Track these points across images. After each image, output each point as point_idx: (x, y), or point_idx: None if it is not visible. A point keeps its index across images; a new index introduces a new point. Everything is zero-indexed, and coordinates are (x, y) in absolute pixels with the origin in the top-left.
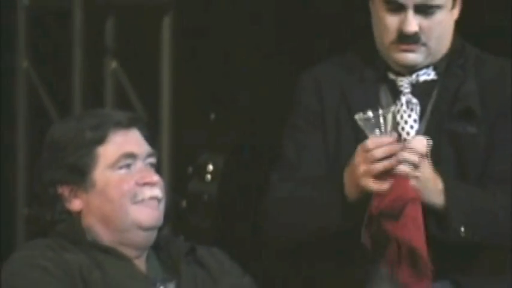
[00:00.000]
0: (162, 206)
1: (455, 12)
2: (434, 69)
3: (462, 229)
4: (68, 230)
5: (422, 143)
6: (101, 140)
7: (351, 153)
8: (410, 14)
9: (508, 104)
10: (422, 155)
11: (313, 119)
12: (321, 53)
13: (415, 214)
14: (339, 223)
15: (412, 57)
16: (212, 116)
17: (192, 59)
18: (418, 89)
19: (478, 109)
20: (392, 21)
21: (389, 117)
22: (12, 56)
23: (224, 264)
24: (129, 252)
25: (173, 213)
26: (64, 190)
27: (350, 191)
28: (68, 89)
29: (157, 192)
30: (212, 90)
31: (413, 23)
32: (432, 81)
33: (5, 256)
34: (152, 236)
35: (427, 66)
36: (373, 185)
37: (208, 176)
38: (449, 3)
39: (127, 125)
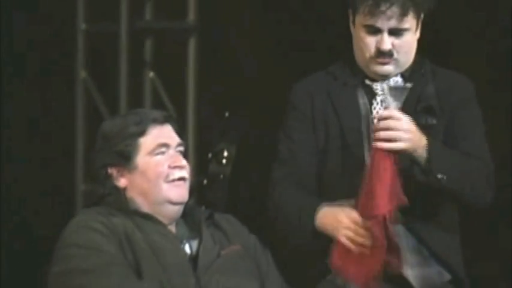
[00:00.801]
0: (187, 184)
1: (418, 33)
2: (402, 76)
3: (440, 176)
4: (115, 201)
5: (401, 120)
6: (142, 132)
7: (337, 147)
8: (385, 35)
9: (461, 104)
10: (397, 119)
11: (305, 120)
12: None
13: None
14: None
15: (387, 68)
16: (227, 114)
17: (211, 71)
18: (392, 92)
19: (436, 107)
20: (370, 41)
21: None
22: (73, 68)
23: (235, 226)
24: (162, 219)
25: (196, 189)
26: (113, 171)
27: (322, 223)
28: (116, 94)
29: (185, 173)
30: (227, 94)
31: (388, 42)
32: (402, 87)
33: (67, 221)
34: (180, 209)
35: (395, 75)
36: (342, 239)
37: (224, 160)
38: (414, 27)
39: (162, 121)
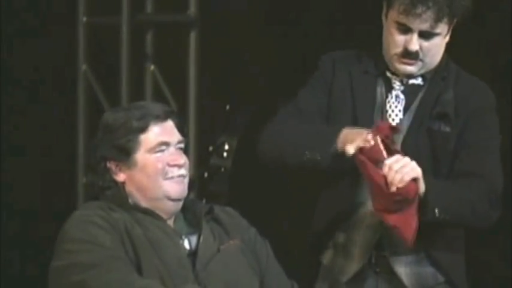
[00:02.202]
0: (186, 180)
1: (447, 38)
2: (422, 76)
3: (436, 211)
4: (114, 195)
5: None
6: (143, 129)
7: (346, 125)
8: (415, 36)
9: (476, 113)
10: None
11: (324, 84)
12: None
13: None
14: (321, 157)
15: (410, 69)
16: (227, 107)
17: (212, 64)
18: (406, 89)
19: (452, 114)
20: (400, 38)
21: None
22: (74, 61)
23: (235, 219)
24: (161, 214)
25: (197, 182)
26: (112, 165)
27: (342, 139)
28: (117, 86)
29: (183, 171)
30: (227, 88)
31: (416, 44)
32: (418, 85)
33: (69, 214)
34: (179, 204)
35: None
36: (350, 149)
37: (225, 154)
38: (445, 31)
39: (164, 118)
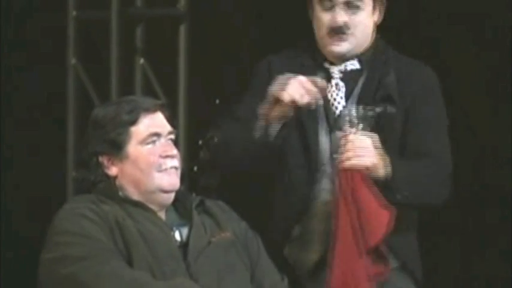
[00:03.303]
0: (179, 172)
1: (376, 17)
2: (359, 61)
3: (399, 196)
4: (106, 189)
5: (363, 140)
6: (133, 121)
7: (291, 123)
8: (338, 10)
9: (420, 93)
10: (365, 148)
11: (262, 88)
12: None
13: None
14: (270, 129)
15: (342, 48)
16: (217, 101)
17: (201, 58)
18: (346, 76)
19: (396, 96)
20: (325, 17)
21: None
22: (63, 54)
23: (226, 213)
24: (153, 207)
25: (187, 176)
26: (103, 159)
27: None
28: (107, 80)
29: (176, 162)
30: (217, 82)
31: (342, 15)
32: (357, 70)
33: (58, 208)
34: (171, 196)
35: (353, 58)
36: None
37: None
38: (370, 9)
39: (153, 110)
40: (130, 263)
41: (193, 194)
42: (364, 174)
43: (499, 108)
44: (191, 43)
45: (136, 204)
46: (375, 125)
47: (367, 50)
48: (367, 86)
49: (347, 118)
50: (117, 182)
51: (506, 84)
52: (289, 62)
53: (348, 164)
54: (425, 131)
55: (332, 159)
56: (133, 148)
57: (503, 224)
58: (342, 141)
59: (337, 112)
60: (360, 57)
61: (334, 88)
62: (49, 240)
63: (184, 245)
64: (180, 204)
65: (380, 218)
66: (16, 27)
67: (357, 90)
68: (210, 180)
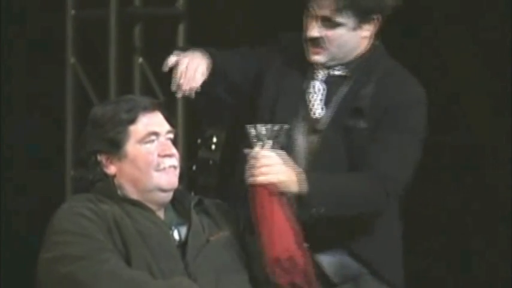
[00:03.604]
0: (177, 171)
1: (366, 33)
2: (346, 67)
3: (315, 210)
4: (104, 188)
5: (271, 157)
6: (132, 120)
7: (268, 105)
8: (314, 22)
9: (391, 109)
10: (272, 165)
11: (264, 59)
12: None
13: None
14: None
15: (318, 58)
16: None
17: None
18: (329, 79)
19: (367, 109)
20: (307, 26)
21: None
22: (62, 54)
23: (224, 212)
24: (151, 206)
25: (186, 175)
26: (102, 158)
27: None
28: (105, 79)
29: (175, 162)
30: None
31: (315, 29)
32: (342, 77)
33: (57, 207)
34: (170, 195)
35: (337, 66)
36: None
37: (213, 146)
38: (352, 24)
39: (152, 109)
40: (128, 262)
41: (192, 193)
42: (272, 190)
43: (499, 108)
44: (190, 42)
45: (135, 203)
46: (345, 140)
47: (356, 59)
48: (347, 96)
49: (255, 135)
50: (116, 181)
51: (506, 84)
52: (294, 50)
53: (252, 180)
54: (376, 146)
55: (307, 160)
56: (132, 147)
57: (503, 224)
58: (249, 158)
59: (316, 115)
60: (347, 65)
61: (313, 89)
62: (47, 240)
63: (182, 244)
64: (178, 204)
65: (285, 234)
66: (16, 27)
67: (336, 98)
68: (208, 179)
